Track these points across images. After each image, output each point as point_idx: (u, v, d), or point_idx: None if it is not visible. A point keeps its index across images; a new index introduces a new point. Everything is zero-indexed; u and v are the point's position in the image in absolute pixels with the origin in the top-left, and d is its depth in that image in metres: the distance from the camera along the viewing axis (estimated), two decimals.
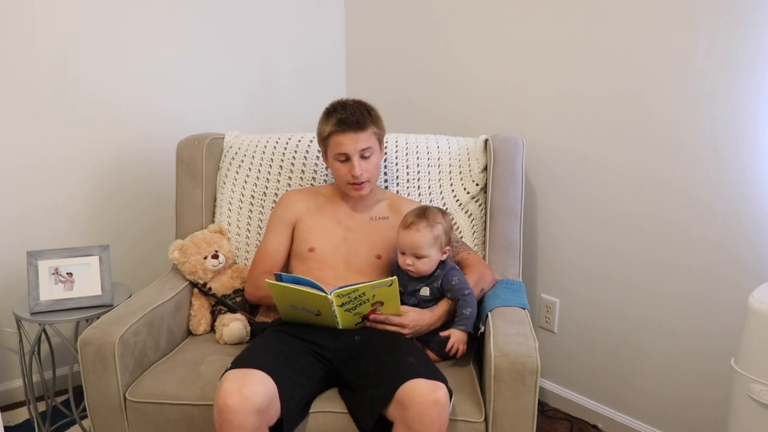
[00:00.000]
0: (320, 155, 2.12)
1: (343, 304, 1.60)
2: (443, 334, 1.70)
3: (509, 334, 1.60)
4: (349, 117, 1.80)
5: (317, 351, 1.63)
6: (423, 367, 1.50)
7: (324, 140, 1.86)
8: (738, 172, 1.80)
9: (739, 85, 1.75)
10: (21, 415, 2.30)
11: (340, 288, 1.58)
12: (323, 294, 1.58)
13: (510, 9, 2.26)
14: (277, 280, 1.64)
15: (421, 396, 1.40)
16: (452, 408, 1.49)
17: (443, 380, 1.47)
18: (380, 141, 1.90)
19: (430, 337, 1.75)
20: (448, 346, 1.68)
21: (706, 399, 1.96)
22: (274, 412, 1.45)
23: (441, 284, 1.76)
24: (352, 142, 1.80)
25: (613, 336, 2.17)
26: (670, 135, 1.92)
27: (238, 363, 1.49)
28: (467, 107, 2.47)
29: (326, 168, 2.13)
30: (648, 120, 1.96)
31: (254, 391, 1.40)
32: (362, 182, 1.84)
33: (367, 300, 1.61)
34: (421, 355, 1.62)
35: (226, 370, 1.48)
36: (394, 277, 1.62)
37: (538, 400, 1.54)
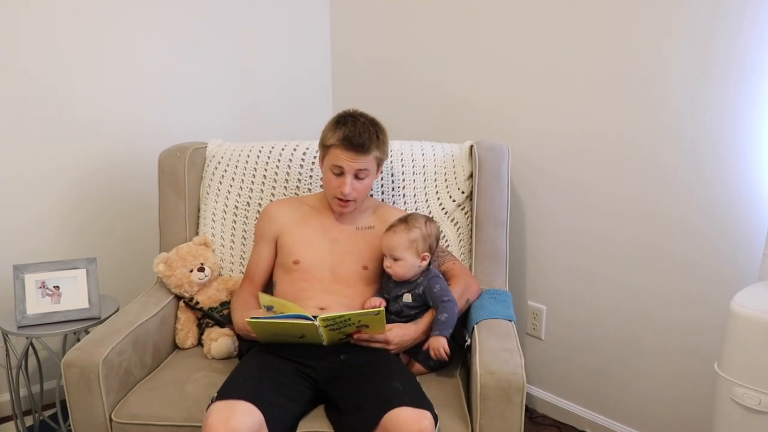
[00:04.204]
0: (303, 164, 2.12)
1: (327, 326, 1.60)
2: (425, 348, 1.70)
3: (495, 350, 1.60)
4: (356, 137, 1.76)
5: (303, 371, 1.63)
6: (408, 394, 1.49)
7: (324, 147, 1.83)
8: (719, 180, 1.82)
9: (717, 92, 1.78)
10: (8, 429, 2.28)
11: (326, 315, 1.58)
12: (309, 323, 1.57)
13: (496, 17, 2.25)
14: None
15: (407, 425, 1.40)
16: (438, 428, 1.48)
17: (429, 406, 1.47)
18: (379, 164, 1.86)
19: (417, 350, 1.76)
20: (431, 352, 1.68)
21: (692, 404, 1.98)
22: None
23: (423, 291, 1.76)
24: (351, 160, 1.77)
25: (600, 342, 2.18)
26: (653, 143, 1.93)
27: (224, 394, 1.48)
28: (452, 116, 2.47)
29: (310, 177, 2.11)
30: (631, 129, 1.97)
31: (240, 423, 1.39)
32: (348, 200, 1.83)
33: (353, 324, 1.61)
34: (407, 378, 1.60)
35: (212, 401, 1.47)
36: (381, 308, 1.62)
37: (526, 407, 1.55)
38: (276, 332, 1.64)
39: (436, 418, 1.46)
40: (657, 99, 1.89)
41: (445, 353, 1.67)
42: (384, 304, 1.78)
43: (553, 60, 2.12)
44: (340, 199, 1.82)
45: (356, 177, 1.80)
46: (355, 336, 1.65)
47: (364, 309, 1.76)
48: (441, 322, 1.70)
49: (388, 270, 1.77)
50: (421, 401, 1.48)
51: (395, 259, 1.75)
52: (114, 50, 2.37)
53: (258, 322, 1.61)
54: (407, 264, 1.75)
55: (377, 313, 1.59)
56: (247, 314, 1.69)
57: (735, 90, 1.74)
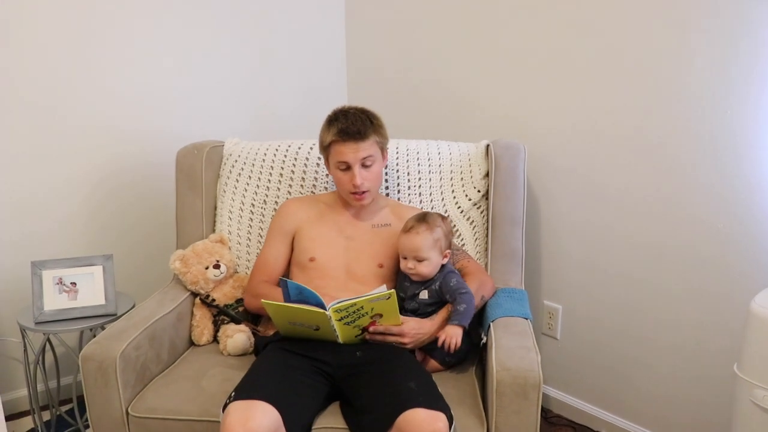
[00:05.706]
0: (320, 162, 2.12)
1: (341, 318, 1.60)
2: (439, 335, 1.68)
3: (511, 347, 1.60)
4: (350, 126, 1.78)
5: (320, 367, 1.63)
6: (423, 394, 1.48)
7: (325, 148, 1.85)
8: (739, 178, 1.79)
9: (737, 89, 1.75)
10: (26, 424, 2.31)
11: (337, 303, 1.58)
12: (321, 311, 1.58)
13: (511, 17, 2.25)
14: (282, 285, 1.65)
15: (421, 427, 1.38)
16: (453, 429, 1.47)
17: (444, 407, 1.45)
18: (382, 149, 1.87)
19: (433, 346, 1.74)
20: (440, 341, 1.66)
21: (710, 405, 1.96)
22: None
23: (439, 286, 1.76)
24: (353, 151, 1.79)
25: (616, 342, 2.16)
26: (671, 143, 1.91)
27: (241, 393, 1.47)
28: (467, 116, 2.47)
29: (327, 175, 2.12)
30: (649, 127, 1.95)
31: (258, 424, 1.38)
32: (363, 191, 1.83)
33: (366, 313, 1.61)
34: (422, 377, 1.59)
35: (229, 400, 1.46)
36: (392, 290, 1.61)
37: (542, 407, 1.54)
38: (290, 318, 1.65)
39: (451, 419, 1.45)
40: (676, 96, 1.87)
41: (456, 345, 1.65)
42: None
43: (570, 58, 2.11)
44: (355, 193, 1.83)
45: (363, 166, 1.81)
46: (371, 329, 1.65)
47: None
48: (459, 312, 1.68)
49: (411, 271, 1.76)
50: (436, 402, 1.46)
51: (419, 260, 1.74)
52: (132, 52, 2.39)
53: (272, 305, 1.62)
54: (432, 263, 1.74)
55: (388, 297, 1.59)
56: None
57: (757, 86, 1.71)
